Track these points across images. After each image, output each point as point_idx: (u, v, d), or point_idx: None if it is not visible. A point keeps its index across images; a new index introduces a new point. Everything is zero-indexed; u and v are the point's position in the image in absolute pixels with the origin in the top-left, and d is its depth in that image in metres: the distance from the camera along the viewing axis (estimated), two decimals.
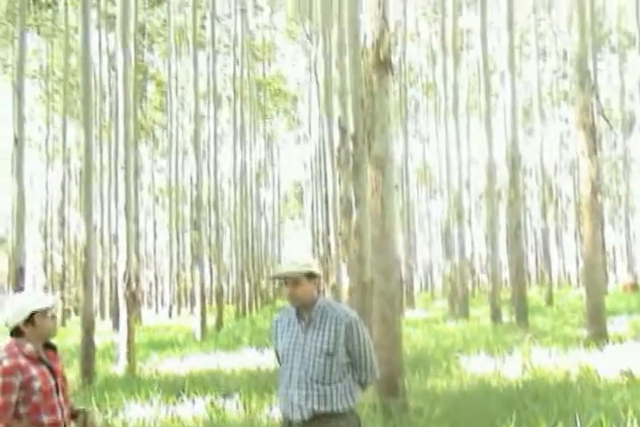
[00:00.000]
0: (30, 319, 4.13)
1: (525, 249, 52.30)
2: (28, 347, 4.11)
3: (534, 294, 40.35)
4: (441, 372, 12.37)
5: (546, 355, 13.44)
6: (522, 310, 20.68)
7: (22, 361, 4.04)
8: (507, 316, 22.92)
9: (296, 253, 4.55)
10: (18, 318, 4.13)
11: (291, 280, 4.41)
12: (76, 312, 38.19)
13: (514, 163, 21.56)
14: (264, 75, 54.48)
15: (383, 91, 9.90)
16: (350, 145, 14.80)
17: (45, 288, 43.40)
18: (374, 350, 4.51)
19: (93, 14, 39.83)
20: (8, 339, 4.22)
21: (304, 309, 4.46)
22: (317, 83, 37.32)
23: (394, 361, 9.33)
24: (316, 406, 4.32)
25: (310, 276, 4.45)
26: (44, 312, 4.16)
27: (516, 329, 19.48)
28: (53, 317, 4.22)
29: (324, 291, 29.38)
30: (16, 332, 4.17)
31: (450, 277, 29.11)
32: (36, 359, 4.12)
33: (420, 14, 49.43)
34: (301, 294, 4.41)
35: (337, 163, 16.96)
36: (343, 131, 16.56)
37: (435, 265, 58.49)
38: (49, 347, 4.28)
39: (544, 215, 38.05)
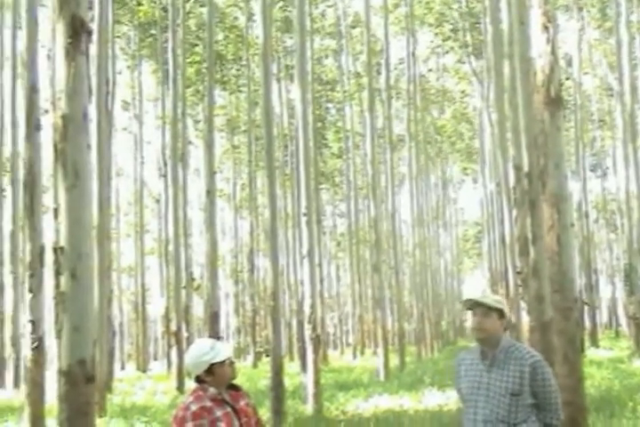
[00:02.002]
0: (209, 370, 4.41)
1: None
2: (212, 390, 4.39)
3: None
4: (627, 412, 12.16)
5: None
6: None
7: (208, 404, 4.33)
8: None
9: (485, 290, 4.68)
10: (198, 370, 4.41)
11: (481, 311, 4.48)
12: (267, 354, 39.41)
13: None
14: (438, 116, 54.92)
15: (555, 128, 9.98)
16: (525, 183, 14.86)
17: (238, 331, 45.06)
18: (559, 392, 4.49)
19: (273, 67, 41.67)
20: (193, 384, 4.64)
21: (488, 347, 4.52)
22: (491, 122, 37.38)
23: (577, 402, 9.28)
24: None
25: (500, 314, 4.51)
26: (221, 363, 4.43)
27: None
28: (231, 363, 4.47)
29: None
30: (198, 380, 4.45)
31: (634, 315, 28.20)
32: (220, 401, 4.39)
33: (593, 45, 48.54)
34: (488, 327, 4.46)
35: (512, 201, 17.03)
36: (518, 169, 16.62)
37: (619, 302, 56.33)
38: (233, 387, 4.55)
39: None
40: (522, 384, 4.35)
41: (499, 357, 4.47)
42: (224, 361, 4.44)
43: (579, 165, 42.58)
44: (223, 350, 4.47)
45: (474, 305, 4.51)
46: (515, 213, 17.05)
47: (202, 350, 4.44)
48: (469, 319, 4.56)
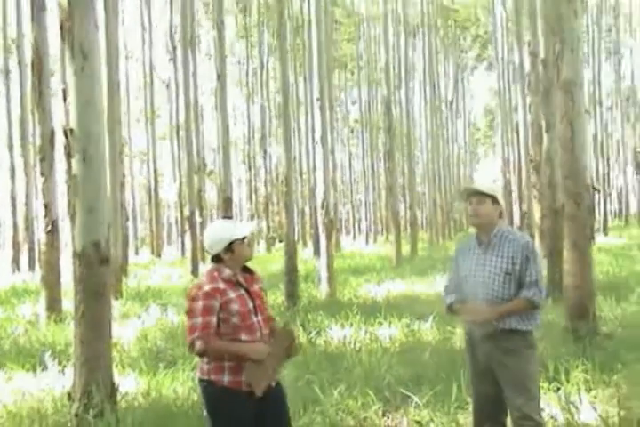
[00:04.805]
0: (229, 247, 4.47)
1: None
2: (227, 272, 4.46)
3: None
4: (633, 298, 12.32)
5: None
6: None
7: (221, 286, 4.40)
8: None
9: (484, 180, 4.92)
10: (218, 247, 4.47)
11: (476, 199, 4.82)
12: (280, 240, 39.87)
13: None
14: (452, 2, 53.44)
15: (572, 12, 9.67)
16: (540, 70, 14.62)
17: (251, 217, 45.45)
18: (542, 273, 4.84)
19: None
20: (209, 265, 4.60)
21: (483, 232, 4.86)
22: (505, 7, 36.33)
23: (584, 287, 9.40)
24: (496, 323, 4.72)
25: (494, 200, 4.84)
26: (242, 240, 4.50)
27: None
28: (250, 243, 4.56)
29: (514, 218, 29.26)
30: (216, 258, 4.52)
31: None
32: (233, 283, 4.47)
33: None
34: (483, 213, 4.80)
35: (527, 88, 16.79)
36: (533, 55, 16.33)
37: (630, 192, 56.19)
38: (247, 271, 4.62)
39: None
40: (514, 264, 4.71)
41: (493, 240, 4.82)
42: (244, 239, 4.51)
43: (593, 50, 41.78)
44: (243, 228, 4.55)
45: (469, 194, 4.86)
46: (529, 100, 16.86)
47: (223, 228, 4.53)
48: (467, 208, 4.90)
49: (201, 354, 4.38)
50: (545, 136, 13.81)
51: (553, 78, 13.09)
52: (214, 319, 4.35)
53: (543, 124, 13.97)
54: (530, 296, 4.69)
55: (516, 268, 4.72)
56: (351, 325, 10.98)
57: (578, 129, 9.54)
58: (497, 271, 4.74)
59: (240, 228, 4.54)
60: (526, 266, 4.72)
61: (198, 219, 23.65)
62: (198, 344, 4.31)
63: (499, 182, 37.68)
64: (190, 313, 4.38)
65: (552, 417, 5.89)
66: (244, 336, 4.41)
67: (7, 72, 33.21)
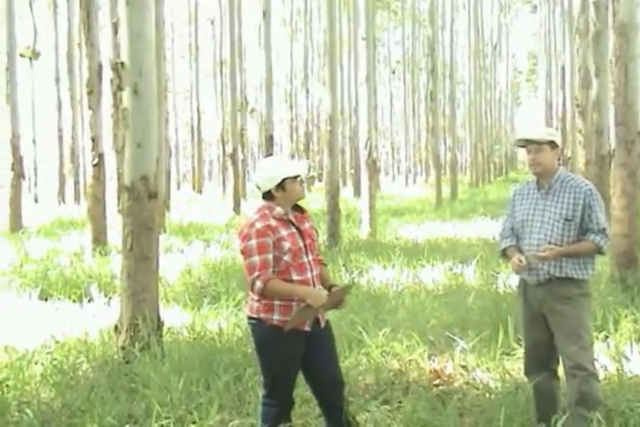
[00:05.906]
0: (281, 185, 4.40)
1: None
2: (278, 210, 4.39)
3: None
4: None
5: None
6: None
7: (273, 223, 4.34)
8: None
9: (539, 122, 4.76)
10: (270, 184, 4.40)
11: (533, 147, 4.66)
12: (320, 179, 39.76)
13: None
14: None
15: None
16: (591, 11, 14.16)
17: (292, 156, 45.34)
18: (607, 219, 4.73)
19: None
20: (260, 202, 4.53)
21: (543, 178, 4.72)
22: None
23: (632, 235, 9.24)
24: (552, 270, 4.62)
25: (553, 145, 4.69)
26: (294, 178, 4.43)
27: None
28: (302, 182, 4.49)
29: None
30: (267, 196, 4.46)
31: None
32: (285, 221, 4.41)
33: None
34: (543, 160, 4.65)
35: (575, 31, 16.36)
36: None
37: None
38: (297, 210, 4.56)
39: None
40: (575, 210, 4.60)
41: (554, 186, 4.69)
42: (296, 177, 4.45)
43: None
44: (296, 167, 4.48)
45: (526, 142, 4.69)
46: (577, 43, 16.40)
47: (276, 165, 4.45)
48: (524, 156, 4.71)
49: (261, 293, 4.32)
50: (594, 80, 13.44)
51: (605, 21, 12.74)
52: (270, 256, 4.31)
53: (592, 68, 13.59)
54: (597, 241, 4.60)
55: (577, 214, 4.61)
56: (393, 266, 10.93)
57: (632, 74, 9.28)
58: (556, 217, 4.63)
59: (293, 166, 4.47)
60: (591, 213, 4.61)
61: (240, 156, 23.56)
62: (258, 283, 4.27)
63: (541, 127, 37.12)
64: (245, 252, 4.33)
65: (601, 367, 5.81)
66: (294, 276, 4.37)
67: (55, 6, 33.08)
